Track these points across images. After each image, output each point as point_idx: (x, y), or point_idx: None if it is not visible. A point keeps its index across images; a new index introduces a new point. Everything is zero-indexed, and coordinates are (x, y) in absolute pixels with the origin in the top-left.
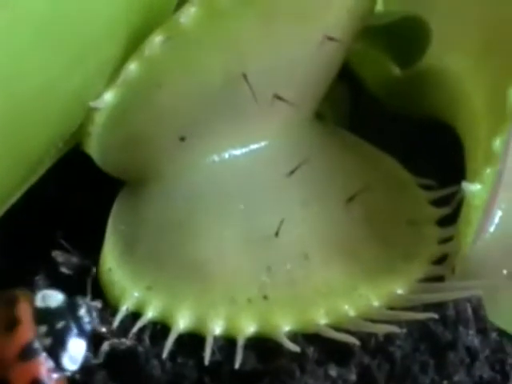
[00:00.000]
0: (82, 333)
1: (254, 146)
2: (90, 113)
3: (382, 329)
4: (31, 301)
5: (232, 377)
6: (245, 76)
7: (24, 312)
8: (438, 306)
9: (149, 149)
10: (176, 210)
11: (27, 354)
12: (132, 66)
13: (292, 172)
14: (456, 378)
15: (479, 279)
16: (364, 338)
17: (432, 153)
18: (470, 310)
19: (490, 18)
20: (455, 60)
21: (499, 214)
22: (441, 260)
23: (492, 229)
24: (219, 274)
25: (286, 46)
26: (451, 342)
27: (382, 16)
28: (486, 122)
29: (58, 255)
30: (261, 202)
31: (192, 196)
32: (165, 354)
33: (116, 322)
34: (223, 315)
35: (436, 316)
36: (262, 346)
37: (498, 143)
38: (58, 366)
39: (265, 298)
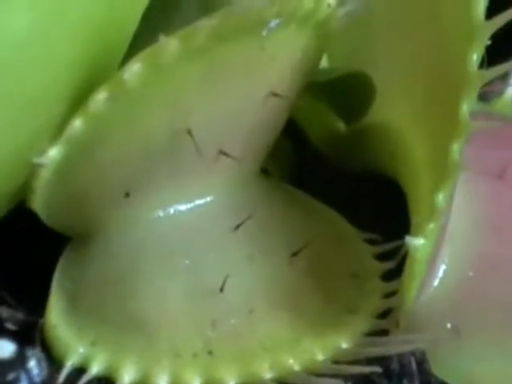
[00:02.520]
0: None
1: (199, 201)
2: (34, 169)
3: (326, 383)
4: None
5: None
6: (189, 132)
7: None
8: (382, 360)
9: (93, 204)
10: (119, 265)
11: None
12: (77, 123)
13: (237, 227)
14: None
15: (423, 333)
16: None
17: (376, 207)
18: (414, 364)
19: (432, 73)
20: (398, 115)
21: (443, 267)
22: (385, 314)
23: (436, 282)
24: (163, 328)
25: (230, 102)
26: None
27: (327, 72)
28: (429, 176)
29: (4, 311)
30: (206, 257)
31: (136, 251)
32: None
33: (61, 378)
34: (168, 370)
35: (380, 370)
36: None
37: (440, 198)
38: None
39: (209, 352)
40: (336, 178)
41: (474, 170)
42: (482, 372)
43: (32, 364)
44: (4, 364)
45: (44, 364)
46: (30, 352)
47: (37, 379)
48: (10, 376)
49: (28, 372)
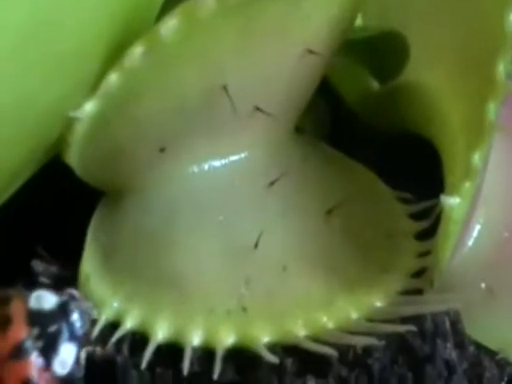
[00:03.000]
0: (73, 337)
1: (233, 158)
2: (70, 123)
3: (360, 341)
4: (25, 301)
5: None
6: (225, 88)
7: (17, 312)
8: (416, 319)
9: (128, 159)
10: (154, 221)
11: (19, 353)
12: (112, 77)
13: (271, 184)
14: None
15: (457, 293)
16: (342, 350)
17: (410, 167)
18: (448, 324)
19: (468, 33)
20: (433, 75)
21: (477, 227)
22: (419, 273)
23: (470, 242)
24: (197, 285)
25: (266, 59)
26: (429, 355)
27: (361, 30)
28: (464, 136)
29: (37, 265)
30: (240, 214)
31: (170, 207)
32: (143, 365)
33: (95, 332)
34: (202, 326)
35: (414, 329)
36: (241, 357)
37: (476, 157)
38: (49, 369)
39: (243, 309)
40: (370, 137)
41: (510, 131)
42: None
43: (75, 317)
44: (46, 315)
45: (86, 317)
46: (73, 305)
47: (79, 332)
48: (52, 328)
49: (71, 325)
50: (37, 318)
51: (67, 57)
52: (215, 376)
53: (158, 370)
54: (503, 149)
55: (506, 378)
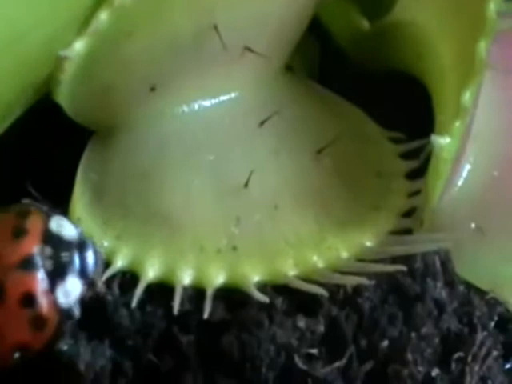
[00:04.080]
0: (82, 274)
1: (224, 98)
2: (60, 62)
3: (350, 280)
4: (44, 220)
5: (200, 326)
6: (215, 27)
7: (35, 226)
8: (406, 259)
9: (118, 98)
10: (145, 160)
11: (27, 265)
12: (102, 16)
13: (262, 123)
14: (424, 330)
15: (447, 232)
16: (333, 289)
17: (401, 106)
18: (438, 263)
19: None
20: (423, 13)
21: (467, 167)
22: (409, 213)
23: (460, 182)
24: (188, 223)
25: None
26: (419, 295)
27: None
28: (455, 74)
29: (27, 203)
30: (230, 153)
31: (161, 146)
32: (134, 304)
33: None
34: (192, 264)
35: (404, 268)
36: (231, 296)
37: (467, 96)
38: (52, 293)
39: (234, 248)
40: (360, 76)
41: (501, 69)
42: (505, 273)
43: (89, 256)
44: (62, 242)
45: (99, 262)
46: (90, 244)
47: (89, 271)
48: (65, 256)
49: (83, 261)
50: (52, 240)
51: None
52: (205, 315)
53: (149, 308)
54: (493, 87)
55: (495, 317)
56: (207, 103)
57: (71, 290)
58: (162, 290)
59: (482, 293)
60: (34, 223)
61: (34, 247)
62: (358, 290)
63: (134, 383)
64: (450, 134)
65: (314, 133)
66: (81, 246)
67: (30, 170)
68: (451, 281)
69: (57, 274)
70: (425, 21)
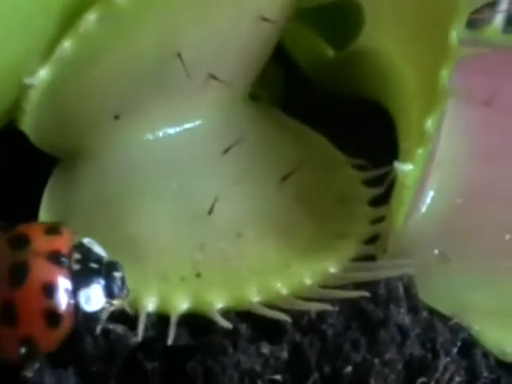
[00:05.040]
0: (107, 289)
1: (188, 125)
2: (24, 90)
3: (314, 306)
4: (75, 234)
5: (165, 353)
6: (179, 54)
7: (67, 232)
8: (369, 285)
9: (83, 126)
10: (109, 187)
11: (55, 258)
12: (67, 43)
13: (226, 151)
14: (387, 356)
15: (411, 258)
16: (296, 315)
17: (365, 133)
18: (401, 289)
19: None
20: (387, 41)
21: (431, 193)
22: (373, 239)
23: (424, 209)
24: (152, 251)
25: (220, 25)
26: (382, 320)
27: None
28: (418, 102)
29: None
30: (194, 181)
31: (125, 173)
32: (98, 331)
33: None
34: (156, 292)
35: (368, 294)
36: (195, 322)
37: (429, 123)
38: (73, 294)
39: (198, 275)
40: (325, 103)
41: (463, 97)
42: (469, 299)
43: (117, 275)
44: (93, 256)
45: (124, 291)
46: (120, 267)
47: (114, 291)
48: (93, 266)
49: (111, 278)
50: (82, 250)
51: (22, 22)
52: (169, 341)
53: (113, 335)
54: (457, 116)
55: (458, 343)
56: (171, 131)
57: (93, 299)
58: (125, 317)
59: (445, 318)
60: (66, 230)
61: (64, 246)
62: (321, 316)
63: None
64: (413, 161)
65: (277, 160)
66: (109, 265)
67: None
68: (414, 306)
69: (82, 279)
70: (389, 49)
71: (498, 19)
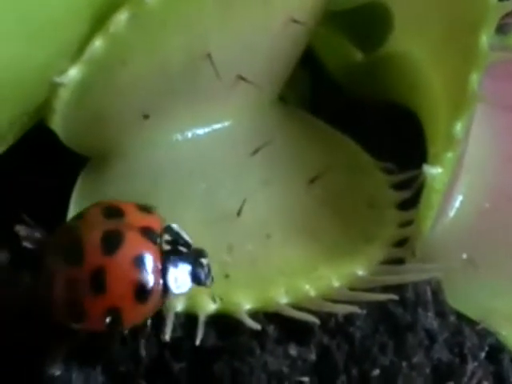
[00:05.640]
0: (194, 274)
1: (216, 126)
2: (54, 88)
3: (342, 309)
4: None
5: (192, 353)
6: (208, 55)
7: (157, 214)
8: (397, 288)
9: (112, 126)
10: (137, 187)
11: (147, 234)
12: (97, 43)
13: (255, 152)
14: (415, 360)
15: (439, 262)
16: (324, 318)
17: (393, 136)
18: (429, 293)
19: (452, 3)
20: (416, 46)
21: (460, 198)
22: (401, 243)
23: (452, 213)
24: None
25: (249, 27)
26: (410, 324)
27: (346, 0)
28: (447, 106)
29: (22, 230)
30: (223, 182)
31: (154, 174)
32: (126, 330)
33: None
34: None
35: (396, 297)
36: (223, 323)
37: (458, 127)
38: (162, 271)
39: (226, 276)
40: (353, 107)
41: (492, 102)
42: (496, 304)
43: (205, 262)
44: (181, 238)
45: (210, 277)
46: (207, 256)
47: (200, 276)
48: (181, 249)
49: (198, 264)
50: (172, 233)
51: (53, 22)
52: (197, 341)
53: (141, 335)
54: (485, 120)
55: (486, 348)
56: (200, 131)
57: (181, 282)
58: (154, 317)
59: (472, 323)
60: (157, 212)
61: (156, 225)
62: (349, 318)
63: None
64: (441, 165)
65: (305, 163)
66: (197, 251)
67: (24, 196)
68: (442, 311)
69: (171, 260)
70: (417, 53)
71: None
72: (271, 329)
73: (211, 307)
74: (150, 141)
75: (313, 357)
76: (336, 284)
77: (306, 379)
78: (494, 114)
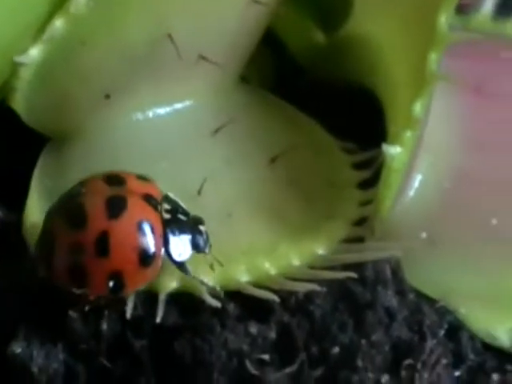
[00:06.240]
0: (193, 241)
1: (178, 106)
2: (16, 68)
3: (302, 287)
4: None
5: (153, 331)
6: (169, 35)
7: (156, 183)
8: (357, 267)
9: (73, 105)
10: (99, 166)
11: (149, 200)
12: (57, 23)
13: (216, 131)
14: (374, 338)
15: (398, 241)
16: (284, 296)
17: (354, 117)
18: (388, 271)
19: None
20: (377, 26)
21: (419, 178)
22: (361, 222)
23: (412, 192)
24: None
25: (211, 7)
26: (370, 302)
27: None
28: (407, 86)
29: None
30: (184, 161)
31: (115, 153)
32: (87, 308)
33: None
34: None
35: (355, 276)
36: (184, 301)
37: (418, 107)
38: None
39: None
40: (315, 87)
41: (453, 82)
42: (455, 283)
43: (203, 230)
44: (181, 210)
45: (208, 246)
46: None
47: (199, 244)
48: (180, 217)
49: (196, 232)
50: (170, 202)
51: (14, 2)
52: (158, 319)
53: (102, 314)
54: (446, 101)
55: (445, 326)
56: (162, 111)
57: (181, 249)
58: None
59: (432, 301)
60: (154, 182)
61: (156, 193)
62: (309, 297)
63: None
64: (401, 144)
65: (267, 142)
66: (195, 219)
67: None
68: (402, 289)
69: (171, 228)
70: (377, 33)
71: (488, 5)
72: (232, 307)
73: (171, 285)
74: (111, 120)
75: (273, 335)
76: (296, 262)
77: (266, 357)
78: (456, 95)
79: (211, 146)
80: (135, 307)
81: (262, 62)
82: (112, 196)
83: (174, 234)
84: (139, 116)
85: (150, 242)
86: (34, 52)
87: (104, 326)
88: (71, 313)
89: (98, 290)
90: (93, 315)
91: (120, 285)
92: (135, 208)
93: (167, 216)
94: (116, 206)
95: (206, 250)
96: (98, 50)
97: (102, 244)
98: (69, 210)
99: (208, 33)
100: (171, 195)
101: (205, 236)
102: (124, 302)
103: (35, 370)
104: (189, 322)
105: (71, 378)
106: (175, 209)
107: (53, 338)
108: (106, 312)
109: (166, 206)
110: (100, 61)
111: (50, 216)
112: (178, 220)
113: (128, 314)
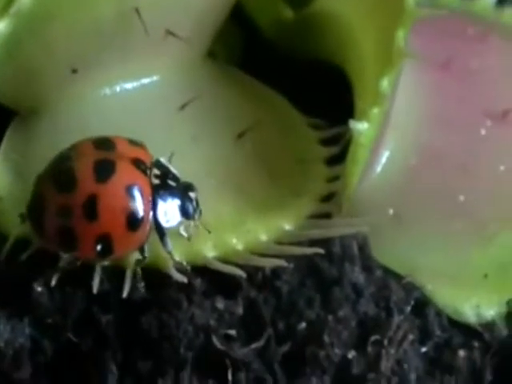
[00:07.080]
0: (183, 207)
1: (145, 81)
2: None
3: (269, 262)
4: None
5: (120, 306)
6: (137, 10)
7: (147, 149)
8: (324, 243)
9: (41, 80)
10: (66, 141)
11: (138, 165)
12: None
13: (183, 107)
14: (341, 314)
15: (365, 217)
16: (251, 272)
17: (322, 93)
18: (355, 247)
19: None
20: (345, 3)
21: (386, 154)
22: (328, 198)
23: (379, 169)
24: None
25: None
26: (337, 278)
27: None
28: (375, 62)
29: None
30: (151, 136)
31: (82, 128)
32: (53, 282)
33: (6, 250)
34: None
35: (322, 252)
36: (151, 276)
37: (385, 84)
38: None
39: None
40: (283, 63)
41: (420, 59)
42: (422, 259)
43: (193, 196)
44: (172, 174)
45: (198, 212)
46: (196, 191)
47: (188, 209)
48: (171, 183)
49: (186, 198)
50: (161, 167)
51: None
52: (124, 294)
53: (68, 288)
54: (413, 78)
55: (412, 302)
56: (129, 86)
57: (170, 215)
58: (81, 270)
59: (398, 277)
60: (146, 147)
61: (146, 158)
62: (276, 272)
63: (53, 361)
64: (368, 121)
65: (234, 118)
66: (185, 185)
67: None
68: (369, 265)
69: (160, 193)
70: (346, 10)
71: None
72: (198, 282)
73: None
74: (78, 95)
75: (240, 310)
76: (263, 238)
77: (232, 332)
78: (423, 73)
79: (178, 121)
80: (102, 282)
81: (230, 37)
82: (101, 160)
83: (163, 199)
84: (107, 91)
85: (138, 206)
86: (1, 26)
87: (70, 301)
88: (37, 287)
89: (86, 254)
90: (59, 290)
91: (108, 248)
92: (124, 172)
93: (156, 181)
94: (105, 170)
95: (196, 217)
96: (65, 23)
97: (91, 207)
98: (58, 173)
99: (175, 8)
100: (163, 160)
101: (194, 203)
102: (90, 277)
103: (1, 344)
104: (155, 297)
105: (37, 353)
106: (165, 174)
107: (19, 312)
108: (73, 286)
109: (156, 171)
110: (67, 35)
111: (40, 180)
112: (167, 185)
113: (95, 289)
